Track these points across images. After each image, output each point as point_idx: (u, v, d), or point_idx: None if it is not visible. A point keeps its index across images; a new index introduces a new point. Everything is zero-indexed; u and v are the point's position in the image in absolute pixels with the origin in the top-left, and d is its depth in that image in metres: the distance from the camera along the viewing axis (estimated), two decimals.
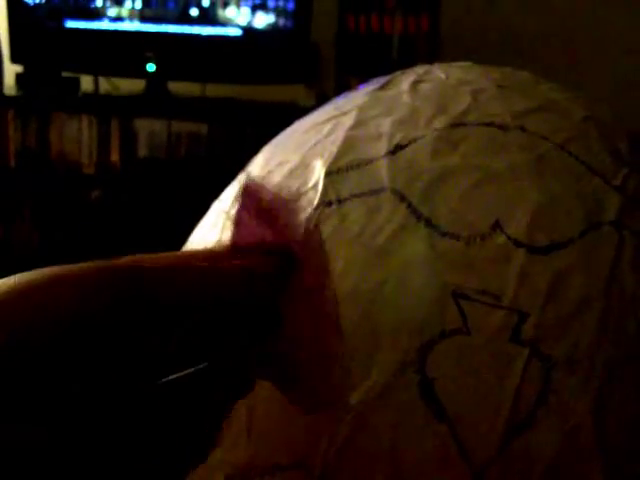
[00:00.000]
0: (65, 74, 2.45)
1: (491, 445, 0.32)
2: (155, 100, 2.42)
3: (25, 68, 2.44)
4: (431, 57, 1.94)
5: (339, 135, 0.41)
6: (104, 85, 2.50)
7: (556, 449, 0.32)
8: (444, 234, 0.35)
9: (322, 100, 0.51)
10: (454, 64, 0.49)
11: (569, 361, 0.33)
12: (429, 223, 0.35)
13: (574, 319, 0.33)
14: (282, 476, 0.34)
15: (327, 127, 0.43)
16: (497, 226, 0.35)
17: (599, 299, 0.34)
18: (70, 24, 2.42)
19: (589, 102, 0.45)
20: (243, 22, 2.35)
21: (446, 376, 0.32)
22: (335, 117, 0.44)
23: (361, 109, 0.43)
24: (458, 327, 0.33)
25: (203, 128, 2.36)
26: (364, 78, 0.49)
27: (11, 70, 2.46)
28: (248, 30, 2.35)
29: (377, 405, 0.33)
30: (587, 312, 0.34)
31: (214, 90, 2.42)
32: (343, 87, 2.17)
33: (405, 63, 0.51)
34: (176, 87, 2.45)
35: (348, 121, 0.42)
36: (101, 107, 2.42)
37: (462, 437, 0.32)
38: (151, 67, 2.37)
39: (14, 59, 2.44)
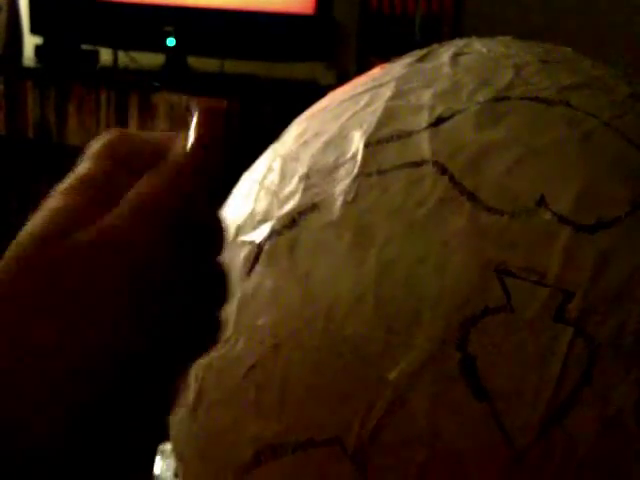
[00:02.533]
0: (84, 47, 2.44)
1: (533, 426, 0.31)
2: (174, 75, 2.40)
3: (44, 40, 2.42)
4: (454, 37, 1.92)
5: (378, 106, 0.40)
6: (123, 59, 2.48)
7: (598, 432, 0.31)
8: (488, 209, 0.34)
9: (342, 79, 0.50)
10: (494, 38, 0.48)
11: (614, 342, 0.32)
12: (472, 197, 0.34)
13: (620, 299, 0.33)
14: (315, 452, 0.33)
15: (365, 98, 0.42)
16: (542, 202, 0.34)
17: None
18: None
19: (632, 80, 0.44)
20: None
21: (488, 354, 0.32)
22: (373, 88, 0.42)
23: (400, 80, 0.42)
24: (502, 304, 0.32)
25: (222, 103, 2.35)
26: (386, 58, 0.48)
27: (30, 42, 2.45)
28: (269, 6, 2.33)
29: (416, 381, 0.32)
30: (633, 293, 0.33)
31: (233, 66, 2.40)
32: (364, 67, 2.15)
33: (428, 43, 0.50)
34: (195, 62, 2.43)
35: (387, 92, 0.41)
36: (120, 81, 2.41)
37: (503, 417, 0.31)
38: (171, 41, 2.36)
39: (34, 30, 2.43)
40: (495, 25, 2.05)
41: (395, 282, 0.33)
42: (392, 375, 0.32)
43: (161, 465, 0.86)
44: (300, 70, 2.35)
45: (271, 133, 0.48)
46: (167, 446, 0.73)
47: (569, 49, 0.46)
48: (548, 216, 0.34)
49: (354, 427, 0.33)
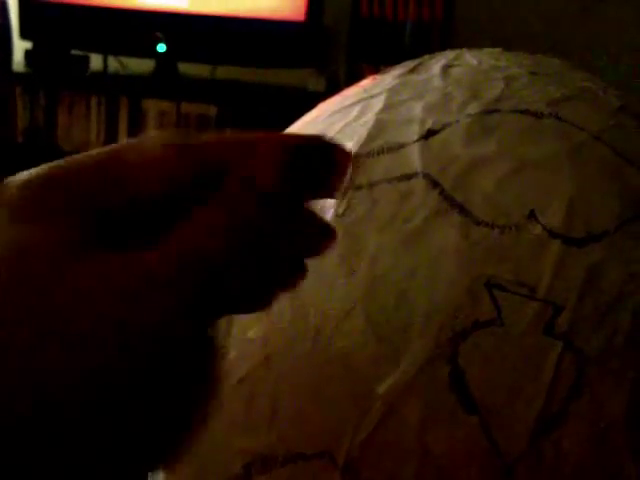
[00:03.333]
0: (74, 52, 2.44)
1: (522, 439, 0.31)
2: (165, 81, 2.40)
3: (34, 45, 2.42)
4: (445, 45, 1.92)
5: (369, 118, 0.40)
6: (113, 64, 2.48)
7: (587, 446, 0.31)
8: (478, 222, 0.34)
9: (332, 86, 0.51)
10: (484, 50, 0.48)
11: (603, 356, 0.32)
12: (463, 210, 0.34)
13: (609, 313, 0.33)
14: (305, 465, 0.33)
15: (355, 110, 0.42)
16: (532, 216, 0.34)
17: (635, 293, 0.33)
18: (81, 1, 2.40)
19: (620, 93, 0.44)
20: (255, 4, 2.33)
21: (478, 367, 0.32)
22: (363, 99, 0.43)
23: (390, 92, 0.42)
24: (492, 318, 0.32)
25: (212, 110, 2.35)
26: (376, 64, 0.48)
27: (20, 46, 2.44)
28: (260, 13, 2.33)
29: (406, 395, 0.32)
30: (622, 307, 0.33)
31: (224, 72, 2.40)
32: (355, 73, 2.15)
33: (418, 51, 0.50)
34: (185, 68, 2.43)
35: (378, 104, 0.41)
36: (110, 86, 2.41)
37: (493, 430, 0.31)
38: (161, 47, 2.35)
39: (24, 35, 2.42)
40: (485, 32, 2.06)
41: (385, 295, 0.33)
42: (382, 389, 0.32)
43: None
44: (291, 76, 2.36)
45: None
46: None
47: (558, 60, 0.47)
48: (538, 230, 0.34)
49: (344, 440, 0.33)
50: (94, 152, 0.26)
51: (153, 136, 0.26)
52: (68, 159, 0.25)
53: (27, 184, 0.24)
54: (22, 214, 0.23)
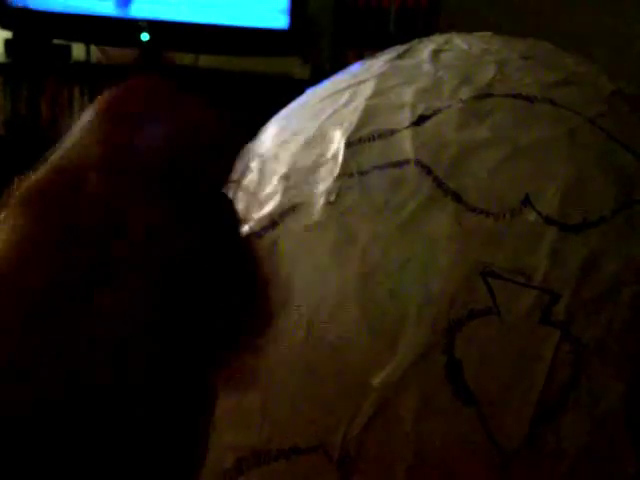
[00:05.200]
0: (56, 41, 2.41)
1: (521, 430, 0.30)
2: (149, 70, 2.38)
3: (14, 34, 2.39)
4: (429, 31, 1.91)
5: (358, 104, 0.39)
6: (96, 54, 2.46)
7: (587, 436, 0.31)
8: (472, 209, 0.33)
9: (317, 73, 0.50)
10: (474, 34, 0.48)
11: (601, 344, 0.32)
12: (457, 197, 0.33)
13: (607, 301, 0.32)
14: (299, 459, 0.33)
15: (344, 96, 0.41)
16: (527, 202, 0.33)
17: (633, 281, 0.33)
18: None
19: (612, 76, 0.43)
20: None
21: (474, 358, 0.31)
22: (352, 86, 0.42)
23: (380, 78, 0.41)
24: (487, 307, 0.31)
25: None
26: (361, 51, 0.48)
27: (0, 36, 2.41)
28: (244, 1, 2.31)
29: (401, 387, 0.31)
30: (620, 294, 0.32)
31: (207, 61, 2.38)
32: (339, 60, 2.14)
33: (403, 37, 0.49)
34: (170, 57, 2.41)
35: (367, 90, 0.40)
36: (93, 76, 2.39)
37: (490, 422, 0.31)
38: (145, 36, 2.33)
39: (3, 24, 2.39)
40: (470, 18, 2.05)
41: (379, 285, 0.32)
42: (376, 381, 0.31)
43: None
44: (275, 64, 2.34)
45: (247, 128, 0.47)
46: None
47: (550, 44, 0.46)
48: (533, 216, 0.33)
49: (338, 434, 0.32)
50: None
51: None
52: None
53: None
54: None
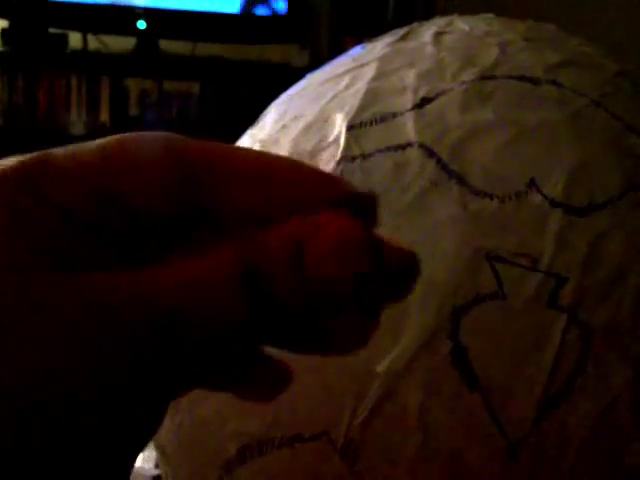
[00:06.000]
0: (52, 30, 2.39)
1: (527, 416, 0.30)
2: (146, 59, 2.37)
3: (11, 23, 2.37)
4: (428, 17, 1.90)
5: (360, 87, 0.39)
6: (92, 43, 2.44)
7: (593, 422, 0.30)
8: (477, 193, 0.33)
9: (316, 60, 0.49)
10: (476, 16, 0.47)
11: (609, 328, 0.31)
12: (461, 180, 0.33)
13: (614, 284, 0.32)
14: (302, 447, 0.32)
15: (345, 79, 0.40)
16: (533, 184, 0.33)
17: None
18: None
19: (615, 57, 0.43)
20: None
21: (480, 343, 0.31)
22: (353, 69, 0.41)
23: (382, 60, 0.40)
24: (493, 291, 0.31)
25: (194, 87, 2.32)
26: (359, 38, 0.47)
27: None
28: None
29: (406, 373, 0.31)
30: (628, 277, 0.32)
31: (204, 49, 2.37)
32: (338, 47, 2.13)
33: (401, 23, 0.49)
34: (166, 45, 2.40)
35: (368, 73, 0.40)
36: (90, 65, 2.37)
37: (496, 408, 0.30)
38: (141, 24, 2.32)
39: None
40: (468, 4, 2.03)
41: None
42: (381, 367, 0.31)
43: (142, 456, 0.84)
44: (273, 52, 2.33)
45: (246, 117, 0.47)
46: None
47: (552, 26, 0.45)
48: (539, 199, 0.32)
49: (343, 421, 0.31)
50: (85, 148, 0.21)
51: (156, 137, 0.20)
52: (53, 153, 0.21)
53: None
54: None
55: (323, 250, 0.18)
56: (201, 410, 0.36)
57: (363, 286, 0.19)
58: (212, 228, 0.19)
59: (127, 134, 0.20)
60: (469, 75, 0.37)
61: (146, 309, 0.18)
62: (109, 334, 0.17)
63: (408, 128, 0.35)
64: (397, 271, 0.20)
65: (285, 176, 0.20)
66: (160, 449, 0.41)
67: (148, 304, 0.18)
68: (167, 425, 0.39)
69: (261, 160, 0.20)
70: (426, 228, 0.32)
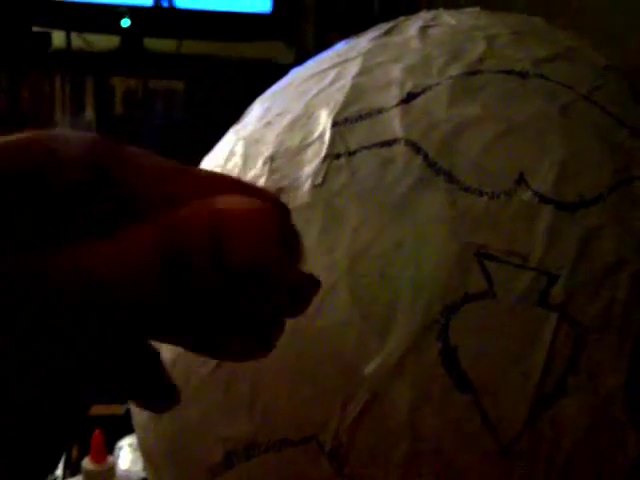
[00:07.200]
0: (35, 29, 2.37)
1: (519, 417, 0.29)
2: (131, 57, 2.35)
3: None
4: (413, 12, 1.89)
5: (345, 83, 0.38)
6: (76, 41, 2.42)
7: (586, 419, 0.30)
8: (465, 189, 0.32)
9: (301, 57, 0.48)
10: (462, 10, 0.46)
11: (601, 326, 0.30)
12: (449, 177, 0.32)
13: (605, 282, 0.31)
14: (290, 451, 0.32)
15: (330, 75, 0.40)
16: (522, 181, 0.32)
17: (632, 259, 0.31)
18: None
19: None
20: None
21: (470, 343, 0.30)
22: (338, 64, 0.40)
23: (367, 55, 0.40)
24: (483, 290, 0.30)
25: (180, 85, 2.31)
26: (345, 34, 0.47)
27: None
28: None
29: (395, 375, 0.30)
30: (619, 273, 0.31)
31: (190, 47, 2.35)
32: (323, 43, 2.12)
33: (387, 19, 0.48)
34: (151, 43, 2.38)
35: (353, 68, 0.39)
36: (74, 64, 2.35)
37: (488, 409, 0.29)
38: (126, 22, 2.30)
39: None
40: (455, 3, 2.02)
41: (369, 269, 0.31)
42: (368, 369, 0.30)
43: (130, 458, 0.83)
44: (258, 50, 2.32)
45: (232, 114, 0.46)
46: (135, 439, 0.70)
47: (540, 19, 0.45)
48: (528, 195, 0.32)
49: (331, 424, 0.31)
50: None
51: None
52: None
53: None
54: None
55: (239, 224, 0.19)
56: (187, 415, 0.35)
57: (275, 269, 0.20)
58: (134, 218, 0.20)
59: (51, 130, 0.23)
60: (456, 69, 0.37)
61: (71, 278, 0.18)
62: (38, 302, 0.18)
63: (394, 124, 0.34)
64: (301, 283, 0.24)
65: (193, 171, 0.22)
66: (146, 454, 0.40)
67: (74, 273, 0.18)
68: (152, 430, 0.38)
69: (170, 162, 0.22)
70: (414, 226, 0.32)
